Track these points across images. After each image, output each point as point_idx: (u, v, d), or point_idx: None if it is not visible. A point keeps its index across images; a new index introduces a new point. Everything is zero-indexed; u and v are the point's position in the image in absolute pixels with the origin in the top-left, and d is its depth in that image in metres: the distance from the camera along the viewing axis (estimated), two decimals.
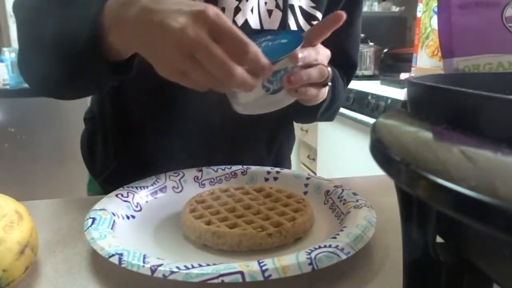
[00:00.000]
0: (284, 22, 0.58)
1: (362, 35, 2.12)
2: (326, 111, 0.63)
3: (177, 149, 0.61)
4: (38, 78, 0.51)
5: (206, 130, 0.61)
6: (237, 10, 0.56)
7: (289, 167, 0.76)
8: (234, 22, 0.56)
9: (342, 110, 1.88)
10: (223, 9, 0.56)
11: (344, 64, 0.66)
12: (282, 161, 0.73)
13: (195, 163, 0.58)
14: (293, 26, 0.58)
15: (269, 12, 0.58)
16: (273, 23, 0.58)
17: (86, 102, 0.74)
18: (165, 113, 0.60)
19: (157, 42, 0.38)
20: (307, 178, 0.55)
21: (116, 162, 0.63)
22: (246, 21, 0.57)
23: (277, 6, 0.58)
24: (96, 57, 0.43)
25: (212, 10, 0.37)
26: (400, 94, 1.52)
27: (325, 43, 0.55)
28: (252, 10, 0.57)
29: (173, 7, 0.38)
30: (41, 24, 0.47)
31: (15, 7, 0.52)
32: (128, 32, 0.40)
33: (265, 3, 0.58)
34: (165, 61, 0.39)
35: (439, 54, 1.41)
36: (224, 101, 0.60)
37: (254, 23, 0.57)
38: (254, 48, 0.38)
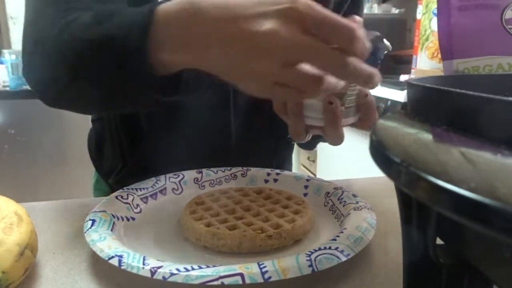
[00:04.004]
0: None
1: None
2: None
3: (183, 152, 0.60)
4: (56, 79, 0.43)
5: (213, 135, 0.61)
6: None
7: (289, 167, 0.77)
8: None
9: None
10: None
11: None
12: (283, 163, 0.74)
13: (200, 166, 0.58)
14: None
15: None
16: None
17: None
18: (172, 117, 0.60)
19: (242, 57, 0.32)
20: (307, 180, 0.55)
21: (123, 162, 0.64)
22: None
23: None
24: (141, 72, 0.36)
25: (301, 2, 0.31)
26: (400, 95, 1.52)
27: None
28: None
29: (252, 10, 0.31)
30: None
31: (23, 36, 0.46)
32: (196, 52, 0.34)
33: None
34: (254, 77, 0.34)
35: (439, 56, 1.41)
36: (230, 106, 0.61)
37: None
38: (361, 31, 0.32)
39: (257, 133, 0.65)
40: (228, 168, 0.58)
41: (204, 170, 0.57)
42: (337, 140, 0.45)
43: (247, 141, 0.64)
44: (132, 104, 0.43)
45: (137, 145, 0.62)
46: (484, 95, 0.18)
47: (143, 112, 0.60)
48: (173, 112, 0.59)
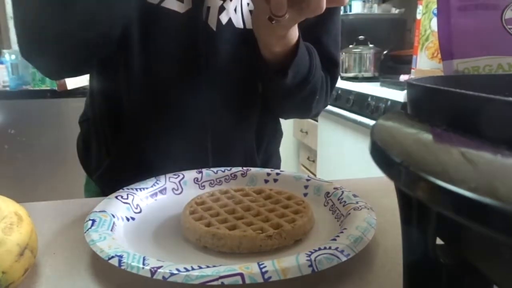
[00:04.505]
0: None
1: (362, 37, 2.13)
2: (301, 85, 0.59)
3: (166, 147, 0.61)
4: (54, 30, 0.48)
5: (195, 129, 0.62)
6: (222, 9, 0.57)
7: (278, 161, 0.77)
8: (219, 20, 0.57)
9: (341, 111, 1.88)
10: (208, 8, 0.56)
11: (324, 59, 0.64)
12: (271, 156, 0.74)
13: (184, 162, 0.58)
14: None
15: (251, 12, 0.60)
16: None
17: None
18: (154, 113, 0.61)
19: None
20: (307, 180, 0.55)
21: (109, 159, 0.64)
22: (229, 20, 0.58)
23: None
24: None
25: None
26: (400, 95, 1.52)
27: (303, 37, 0.56)
28: (235, 10, 0.58)
29: None
30: None
31: None
32: None
33: (248, 4, 0.59)
34: None
35: (439, 56, 1.41)
36: (214, 100, 0.61)
37: (237, 22, 0.59)
38: None
39: (233, 130, 0.65)
40: (228, 168, 0.58)
41: (204, 170, 0.57)
42: (320, 5, 0.45)
43: (223, 138, 0.64)
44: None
45: (120, 141, 0.63)
46: (484, 95, 0.18)
47: (127, 108, 0.61)
48: (153, 109, 0.60)
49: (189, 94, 0.60)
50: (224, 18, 0.58)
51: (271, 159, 0.74)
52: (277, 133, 0.76)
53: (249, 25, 0.60)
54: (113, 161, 0.63)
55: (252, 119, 0.67)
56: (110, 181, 0.59)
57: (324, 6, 0.45)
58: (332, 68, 0.67)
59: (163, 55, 0.58)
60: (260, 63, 0.58)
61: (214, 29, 0.58)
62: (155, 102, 0.60)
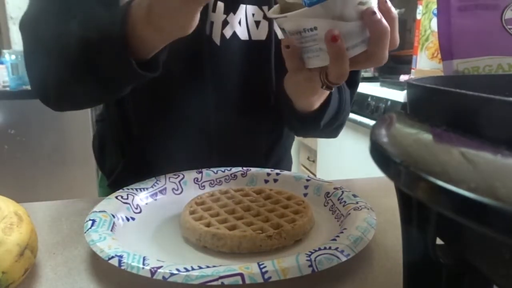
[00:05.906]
0: (271, 32, 0.59)
1: None
2: (330, 122, 0.60)
3: (177, 152, 0.62)
4: (50, 81, 0.51)
5: (207, 134, 0.62)
6: (225, 23, 0.57)
7: (289, 164, 0.77)
8: (223, 34, 0.57)
9: None
10: (212, 23, 0.56)
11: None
12: (282, 159, 0.74)
13: (195, 166, 0.58)
14: (280, 36, 0.59)
15: (257, 23, 0.59)
16: (261, 34, 0.60)
17: None
18: (165, 117, 0.61)
19: None
20: (307, 180, 0.55)
21: (123, 162, 0.65)
22: (234, 33, 0.58)
23: (265, 17, 0.60)
24: (123, 55, 0.43)
25: None
26: (400, 96, 1.52)
27: None
28: (240, 23, 0.58)
29: None
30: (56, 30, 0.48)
31: (22, 24, 0.53)
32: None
33: (253, 14, 0.59)
34: None
35: (439, 56, 1.41)
36: (223, 106, 0.61)
37: (243, 35, 0.59)
38: None
39: (243, 137, 0.65)
40: (228, 168, 0.58)
41: (204, 170, 0.57)
42: (385, 56, 0.42)
43: (232, 146, 0.64)
44: (120, 85, 0.49)
45: (133, 145, 0.64)
46: (484, 95, 0.18)
47: (138, 112, 0.62)
48: (164, 114, 0.61)
49: (195, 106, 0.60)
50: (228, 32, 0.58)
51: (282, 161, 0.74)
52: (290, 137, 0.76)
53: (254, 36, 0.60)
54: (127, 163, 0.64)
55: (262, 127, 0.67)
56: (124, 180, 0.58)
57: (387, 57, 0.42)
58: (350, 88, 0.65)
59: (168, 70, 0.58)
60: (289, 115, 0.58)
61: (218, 43, 0.58)
62: (161, 112, 0.61)
